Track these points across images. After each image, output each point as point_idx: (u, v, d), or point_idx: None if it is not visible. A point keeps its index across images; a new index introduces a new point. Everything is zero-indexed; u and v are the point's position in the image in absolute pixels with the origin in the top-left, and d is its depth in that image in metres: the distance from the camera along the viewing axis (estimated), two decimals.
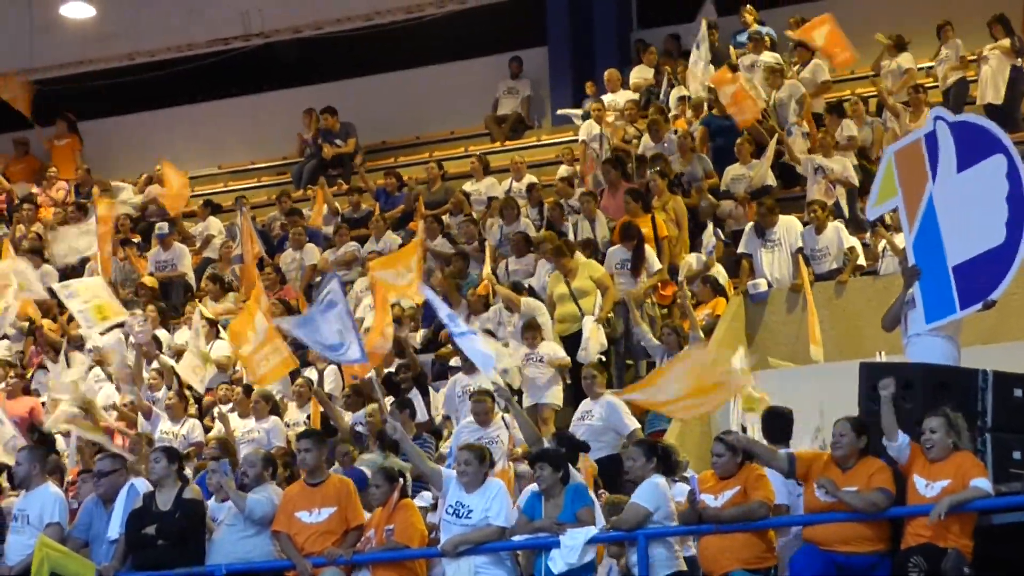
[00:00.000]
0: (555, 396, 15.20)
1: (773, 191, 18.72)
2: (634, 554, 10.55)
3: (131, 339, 17.49)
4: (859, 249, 17.00)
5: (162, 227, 20.93)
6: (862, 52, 20.99)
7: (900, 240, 13.93)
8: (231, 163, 26.61)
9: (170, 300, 20.00)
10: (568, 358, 15.34)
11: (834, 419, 10.41)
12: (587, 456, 12.18)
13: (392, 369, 15.90)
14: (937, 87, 20.76)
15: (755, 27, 22.12)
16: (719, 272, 17.01)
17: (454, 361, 15.98)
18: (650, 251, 16.73)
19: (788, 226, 16.99)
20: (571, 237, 17.86)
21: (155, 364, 17.09)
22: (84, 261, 19.89)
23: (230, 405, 16.12)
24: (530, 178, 21.01)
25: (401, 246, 18.60)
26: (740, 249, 17.18)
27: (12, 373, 17.81)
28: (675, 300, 16.55)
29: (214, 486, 12.00)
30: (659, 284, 16.87)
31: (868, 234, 17.28)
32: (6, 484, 15.26)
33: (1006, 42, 20.09)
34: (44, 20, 26.34)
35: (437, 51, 25.80)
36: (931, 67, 21.10)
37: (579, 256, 16.56)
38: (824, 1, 23.19)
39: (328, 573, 11.13)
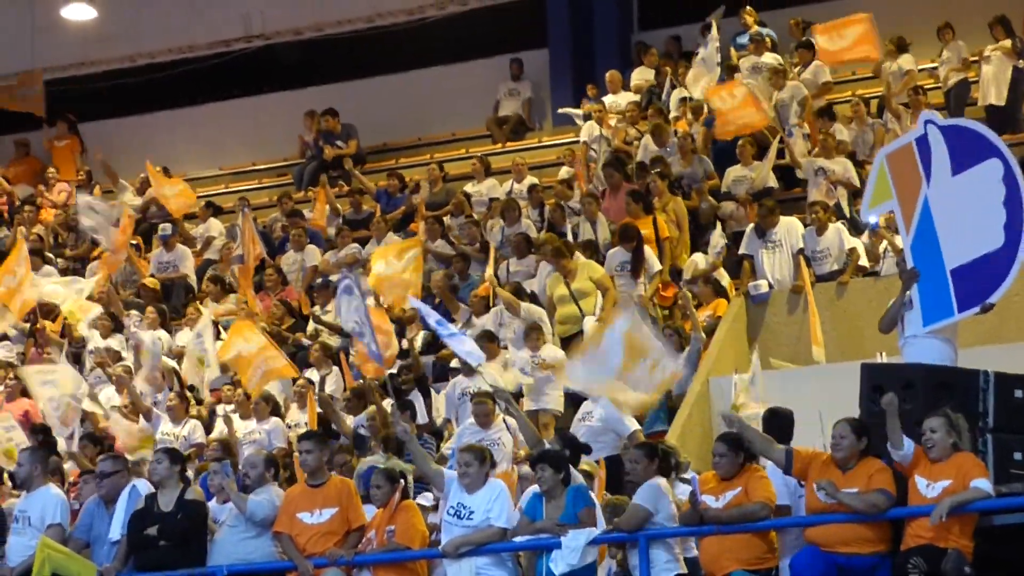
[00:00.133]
0: (556, 402, 15.18)
1: (774, 192, 18.73)
2: (635, 556, 10.55)
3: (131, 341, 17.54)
4: (860, 250, 17.01)
5: (165, 228, 20.92)
6: None
7: (900, 241, 13.94)
8: (232, 165, 26.60)
9: (171, 301, 20.00)
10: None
11: (835, 420, 10.42)
12: (600, 465, 12.20)
13: (394, 371, 15.90)
14: (938, 88, 20.77)
15: (755, 29, 22.12)
16: (721, 274, 17.02)
17: (455, 363, 15.99)
18: (650, 252, 16.74)
19: (789, 227, 17.00)
20: (571, 238, 17.87)
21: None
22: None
23: (231, 406, 16.14)
24: (531, 179, 21.01)
25: None
26: (741, 250, 17.19)
27: (12, 374, 17.79)
28: (676, 301, 16.56)
29: (215, 487, 12.02)
30: (660, 285, 16.88)
31: (865, 235, 17.28)
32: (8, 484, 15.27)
33: (1007, 43, 20.10)
34: (45, 21, 26.34)
35: (438, 53, 25.79)
36: (934, 68, 21.09)
37: (579, 257, 16.57)
38: (824, 2, 23.22)
39: (329, 574, 11.14)
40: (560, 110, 23.68)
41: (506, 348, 15.94)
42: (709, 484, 10.56)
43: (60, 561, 11.37)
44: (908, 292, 11.03)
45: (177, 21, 26.69)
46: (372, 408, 14.73)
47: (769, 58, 21.26)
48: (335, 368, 16.61)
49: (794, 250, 16.88)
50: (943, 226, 10.91)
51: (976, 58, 20.45)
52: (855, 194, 17.91)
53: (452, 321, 15.39)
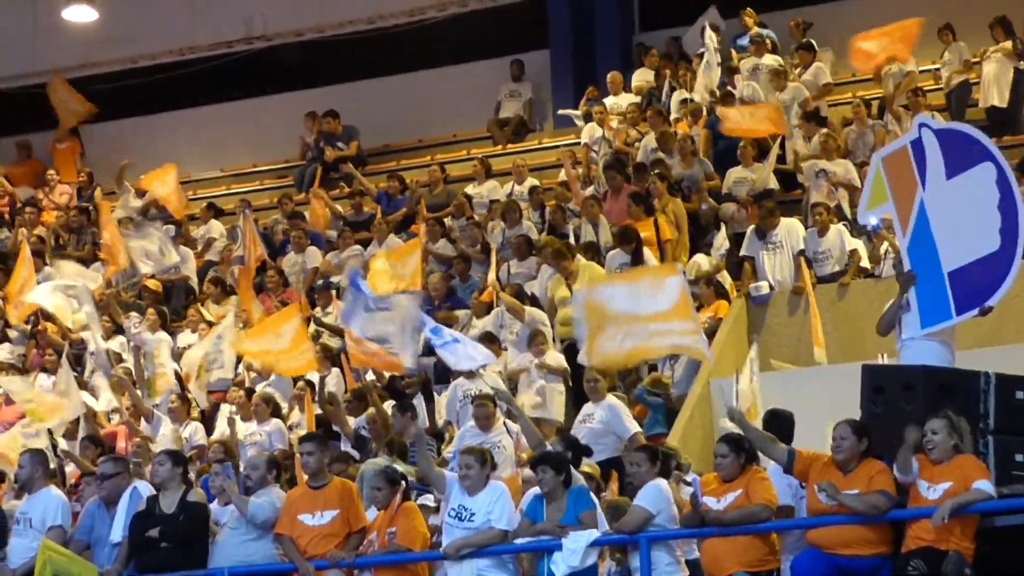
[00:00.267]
0: (557, 412, 15.14)
1: (775, 194, 18.73)
2: (636, 558, 10.56)
3: (131, 342, 17.54)
4: (861, 251, 17.02)
5: (169, 230, 20.93)
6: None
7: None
8: (233, 166, 26.61)
9: (171, 303, 20.00)
10: (567, 367, 15.26)
11: (836, 421, 10.43)
12: (613, 478, 12.20)
13: (397, 373, 15.90)
14: (939, 90, 20.78)
15: (756, 30, 22.12)
16: (723, 275, 17.03)
17: None
18: (649, 254, 16.73)
19: (789, 228, 17.02)
20: (573, 240, 17.87)
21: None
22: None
23: (233, 408, 16.14)
24: (532, 181, 21.01)
25: None
26: (742, 252, 17.20)
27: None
28: None
29: (217, 489, 12.02)
30: None
31: (861, 243, 17.27)
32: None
33: (1008, 44, 20.10)
34: (47, 23, 26.34)
35: (439, 54, 25.80)
36: (937, 69, 21.09)
37: (580, 259, 16.56)
38: (824, 4, 23.25)
39: None
40: (560, 111, 23.69)
41: (506, 350, 15.95)
42: (710, 486, 10.56)
43: (61, 563, 11.36)
44: (905, 295, 11.05)
45: (178, 23, 26.69)
46: (372, 410, 14.72)
47: (770, 60, 21.28)
48: (335, 370, 16.61)
49: (795, 251, 16.89)
50: (940, 229, 10.94)
51: (977, 60, 20.46)
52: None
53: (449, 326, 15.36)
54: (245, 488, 11.64)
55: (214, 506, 12.03)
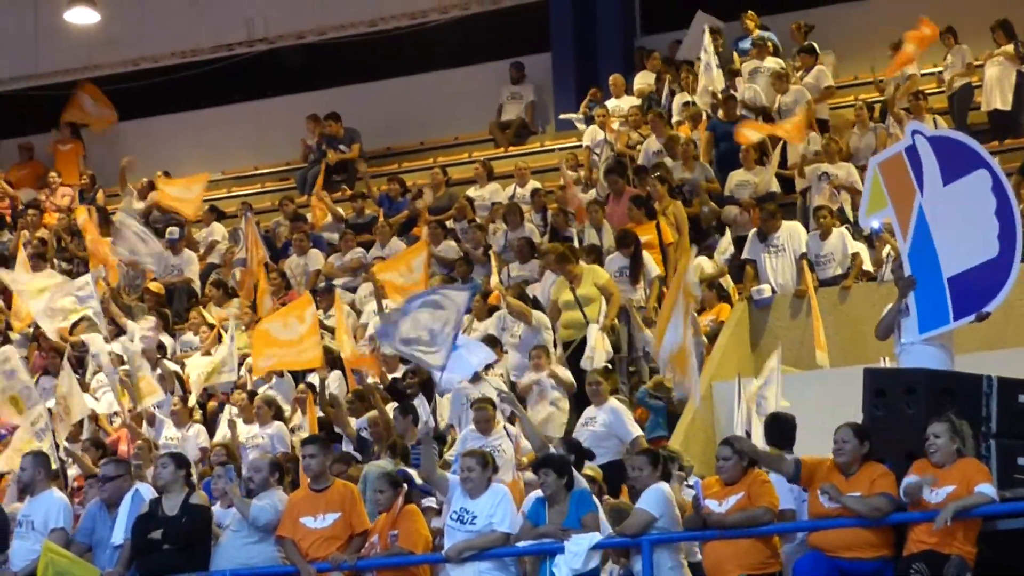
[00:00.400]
0: (558, 431, 15.06)
1: (777, 197, 18.74)
2: (639, 561, 10.56)
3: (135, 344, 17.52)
4: (864, 255, 17.01)
5: (173, 232, 20.92)
6: (865, 58, 21.02)
7: None
8: (235, 169, 26.59)
9: (173, 306, 20.01)
10: (574, 383, 15.18)
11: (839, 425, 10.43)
12: (624, 494, 12.20)
13: (399, 375, 15.91)
14: (941, 92, 20.78)
15: (757, 33, 22.12)
16: (725, 278, 17.03)
17: None
18: (648, 257, 16.71)
19: (791, 231, 17.02)
20: (575, 243, 17.87)
21: (158, 370, 17.08)
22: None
23: (235, 410, 16.15)
24: (534, 184, 21.02)
25: None
26: (744, 255, 17.21)
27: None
28: None
29: (219, 492, 12.02)
30: (665, 290, 16.86)
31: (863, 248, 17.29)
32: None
33: (1009, 48, 20.10)
34: (48, 25, 26.35)
35: (441, 57, 25.81)
36: (939, 71, 21.09)
37: (583, 262, 16.55)
38: (825, 7, 23.25)
39: None
40: (562, 116, 23.69)
41: (506, 352, 15.94)
42: (712, 489, 10.56)
43: (63, 565, 11.37)
44: (904, 299, 11.06)
45: (180, 25, 26.70)
46: (374, 412, 14.72)
47: (771, 62, 21.27)
48: (336, 372, 16.61)
49: (797, 254, 16.88)
50: (939, 235, 10.98)
51: (980, 63, 20.45)
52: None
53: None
54: (247, 491, 11.64)
55: (216, 509, 12.04)
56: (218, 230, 22.02)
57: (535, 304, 16.63)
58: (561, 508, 10.84)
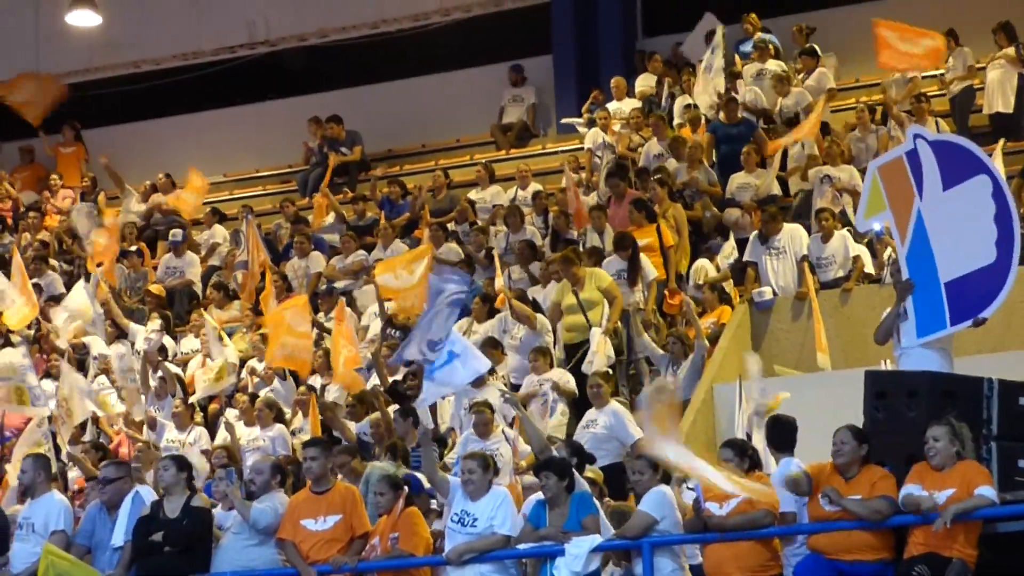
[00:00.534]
0: (558, 434, 15.01)
1: (778, 200, 18.74)
2: (639, 564, 10.56)
3: (137, 347, 17.52)
4: (865, 257, 17.01)
5: (176, 234, 20.94)
6: (865, 61, 21.00)
7: None
8: (236, 171, 26.61)
9: (175, 308, 20.01)
10: (576, 390, 15.15)
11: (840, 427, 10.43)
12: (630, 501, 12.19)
13: (399, 377, 15.90)
14: (942, 95, 20.77)
15: (759, 35, 22.12)
16: (726, 281, 17.03)
17: None
18: (646, 260, 16.69)
19: (792, 234, 17.01)
20: (578, 246, 17.87)
21: (160, 372, 17.08)
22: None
23: (236, 413, 16.14)
24: (535, 186, 21.02)
25: None
26: (745, 257, 17.20)
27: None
28: (683, 308, 16.53)
29: (220, 494, 12.01)
30: (667, 293, 16.87)
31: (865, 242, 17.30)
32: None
33: (1011, 50, 20.09)
34: (50, 27, 26.37)
35: (443, 59, 25.82)
36: (941, 74, 21.08)
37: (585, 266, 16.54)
38: (827, 9, 23.25)
39: None
40: (563, 120, 23.70)
41: (506, 355, 15.93)
42: (713, 491, 10.56)
43: (64, 568, 11.37)
44: (903, 303, 11.07)
45: (182, 27, 26.72)
46: (377, 415, 14.73)
47: (773, 65, 21.28)
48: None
49: (798, 257, 16.87)
50: (937, 240, 11.00)
51: (982, 65, 20.44)
52: None
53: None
54: (248, 493, 11.65)
55: (217, 511, 12.05)
56: (219, 232, 22.03)
57: (535, 307, 16.62)
58: (562, 510, 10.84)
